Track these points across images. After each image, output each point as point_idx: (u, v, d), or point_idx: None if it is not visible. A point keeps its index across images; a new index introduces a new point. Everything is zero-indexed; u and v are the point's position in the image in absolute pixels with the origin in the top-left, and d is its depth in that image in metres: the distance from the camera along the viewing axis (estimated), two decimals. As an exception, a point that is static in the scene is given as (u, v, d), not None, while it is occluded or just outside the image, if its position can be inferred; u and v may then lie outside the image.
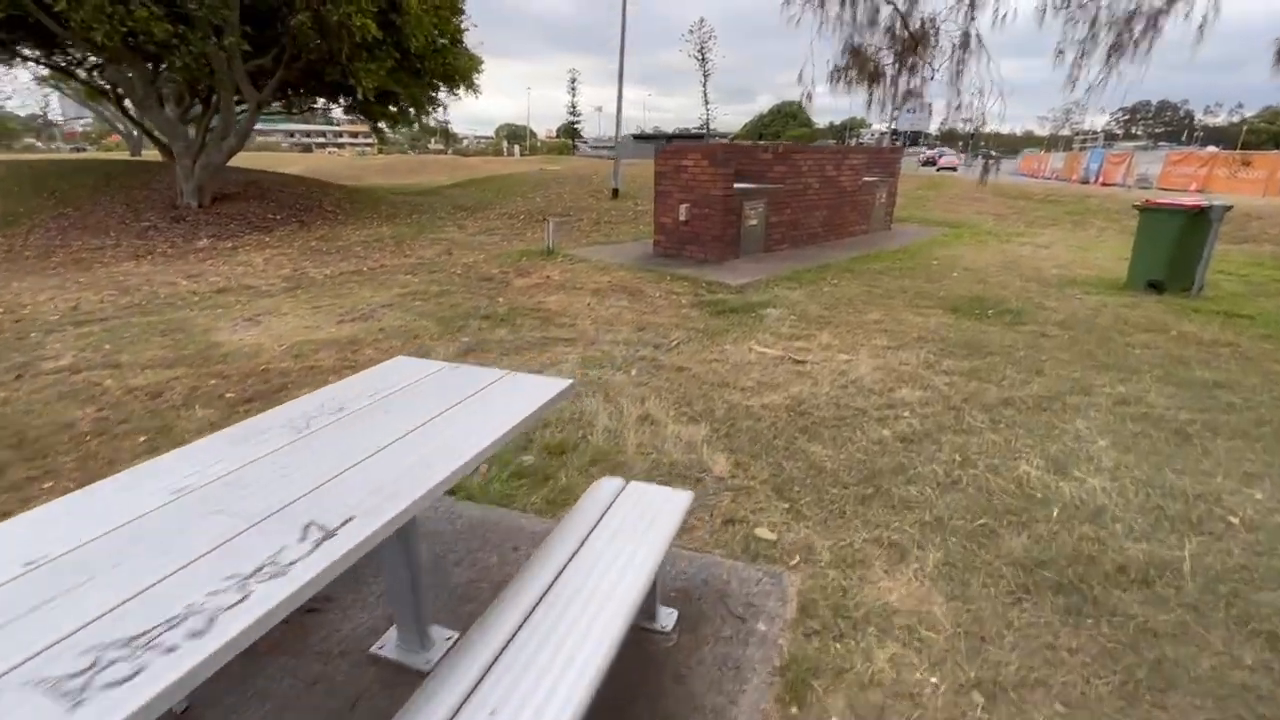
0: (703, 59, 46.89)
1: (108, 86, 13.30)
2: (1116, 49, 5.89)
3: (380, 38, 8.91)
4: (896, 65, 6.69)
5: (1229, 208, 6.57)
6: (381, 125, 18.92)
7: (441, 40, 13.07)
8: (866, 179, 10.66)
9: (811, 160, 9.08)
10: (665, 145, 8.88)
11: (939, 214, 13.20)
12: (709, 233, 8.10)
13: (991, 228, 11.51)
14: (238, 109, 11.82)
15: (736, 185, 8.49)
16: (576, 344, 4.81)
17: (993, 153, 6.97)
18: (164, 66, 10.07)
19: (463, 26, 12.89)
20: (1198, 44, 5.48)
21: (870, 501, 2.69)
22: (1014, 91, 7.34)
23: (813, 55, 6.39)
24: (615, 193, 14.05)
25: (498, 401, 1.92)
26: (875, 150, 11.64)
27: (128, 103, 13.69)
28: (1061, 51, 5.88)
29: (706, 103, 48.87)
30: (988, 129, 6.75)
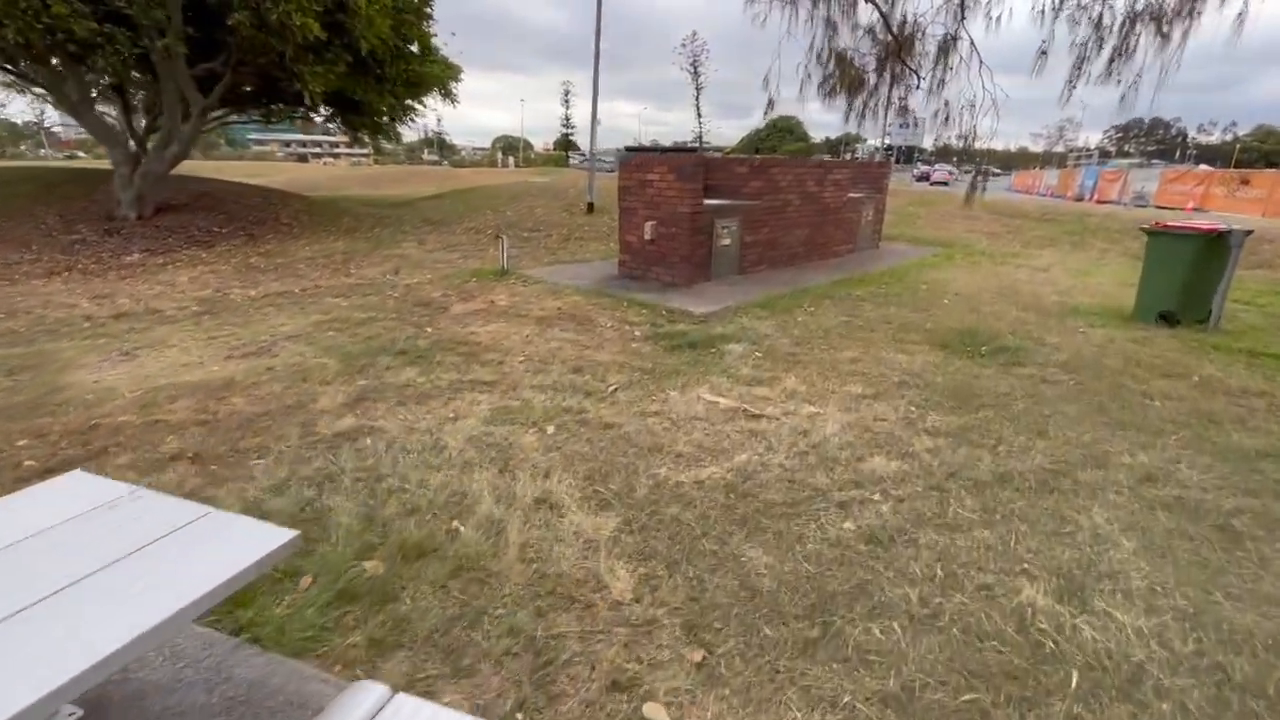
0: (695, 72, 46.36)
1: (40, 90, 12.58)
2: (1122, 53, 5.22)
3: (325, 38, 8.22)
4: (879, 72, 6.03)
5: (1249, 232, 5.88)
6: (362, 135, 18.32)
7: (409, 47, 12.44)
8: (852, 195, 9.99)
9: (791, 175, 8.40)
10: (657, 157, 8.20)
11: (930, 232, 12.55)
12: (676, 253, 7.38)
13: (985, 248, 10.85)
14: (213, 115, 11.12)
15: (708, 201, 7.79)
16: (494, 389, 4.06)
17: (985, 167, 6.21)
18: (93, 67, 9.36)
19: (431, 33, 12.23)
20: (1236, 36, 4.83)
21: (814, 651, 1.93)
22: (1007, 107, 6.68)
23: (780, 59, 5.73)
24: (590, 207, 13.37)
25: (175, 562, 1.16)
26: (862, 165, 11.01)
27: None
28: (1083, 60, 5.21)
29: (699, 116, 48.46)
30: (981, 144, 6.11)
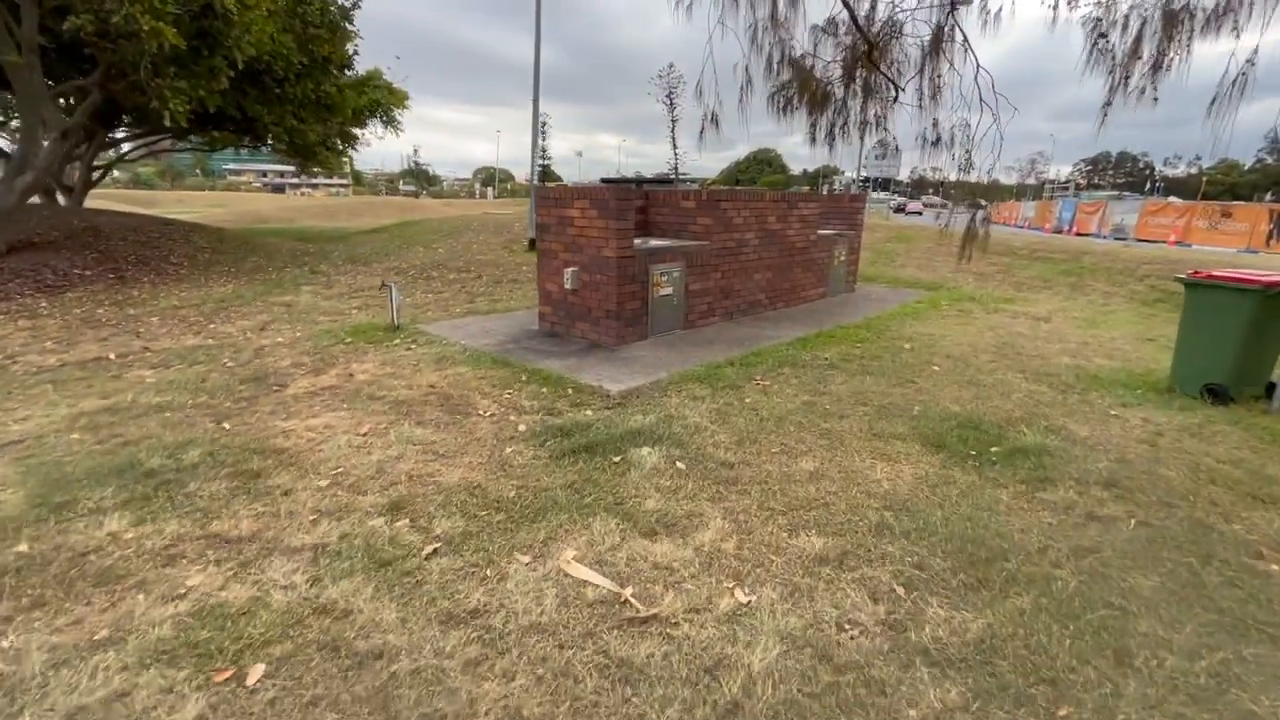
0: (671, 104, 45.90)
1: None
2: (1160, 65, 3.95)
3: (186, 48, 6.80)
4: (846, 82, 4.72)
5: (1320, 286, 4.59)
6: (308, 164, 16.91)
7: (331, 66, 11.10)
8: (822, 233, 8.69)
9: (747, 210, 7.07)
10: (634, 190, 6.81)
11: (911, 272, 11.31)
12: (602, 307, 5.94)
13: (974, 291, 9.60)
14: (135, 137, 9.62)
15: (645, 242, 6.41)
16: (234, 555, 2.52)
17: (982, 202, 4.89)
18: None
19: (352, 51, 10.91)
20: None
21: None
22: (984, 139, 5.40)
23: (712, 58, 4.38)
24: (532, 244, 11.97)
25: None
26: (832, 198, 9.78)
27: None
28: (1126, 75, 3.91)
29: (674, 147, 47.88)
30: (982, 170, 4.81)
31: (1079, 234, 26.61)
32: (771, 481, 3.31)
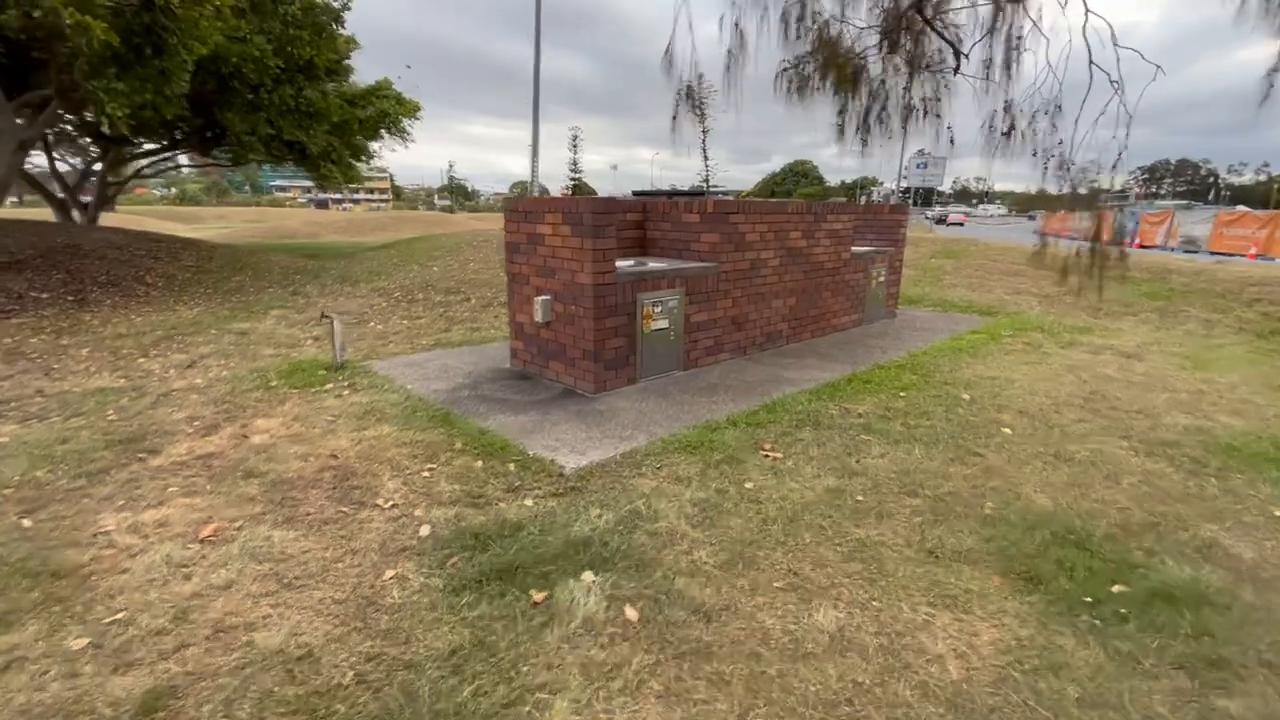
0: (701, 115, 44.31)
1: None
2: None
3: (116, 44, 5.98)
4: (887, 50, 3.51)
5: None
6: (322, 177, 16.37)
7: (321, 73, 10.35)
8: (857, 250, 7.41)
9: (764, 224, 5.86)
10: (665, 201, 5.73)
11: (962, 293, 9.86)
12: (578, 345, 4.81)
13: (1040, 318, 8.12)
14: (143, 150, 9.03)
15: (635, 264, 5.27)
16: None
17: (1134, 205, 3.59)
18: None
19: (339, 58, 10.12)
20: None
21: None
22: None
23: (687, 5, 3.21)
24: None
25: None
26: (870, 209, 8.45)
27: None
28: None
29: (705, 159, 46.81)
30: (1111, 174, 3.55)
31: (1142, 246, 24.46)
32: (768, 655, 2.10)
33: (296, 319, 7.82)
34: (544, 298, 4.97)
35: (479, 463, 3.54)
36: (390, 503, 3.11)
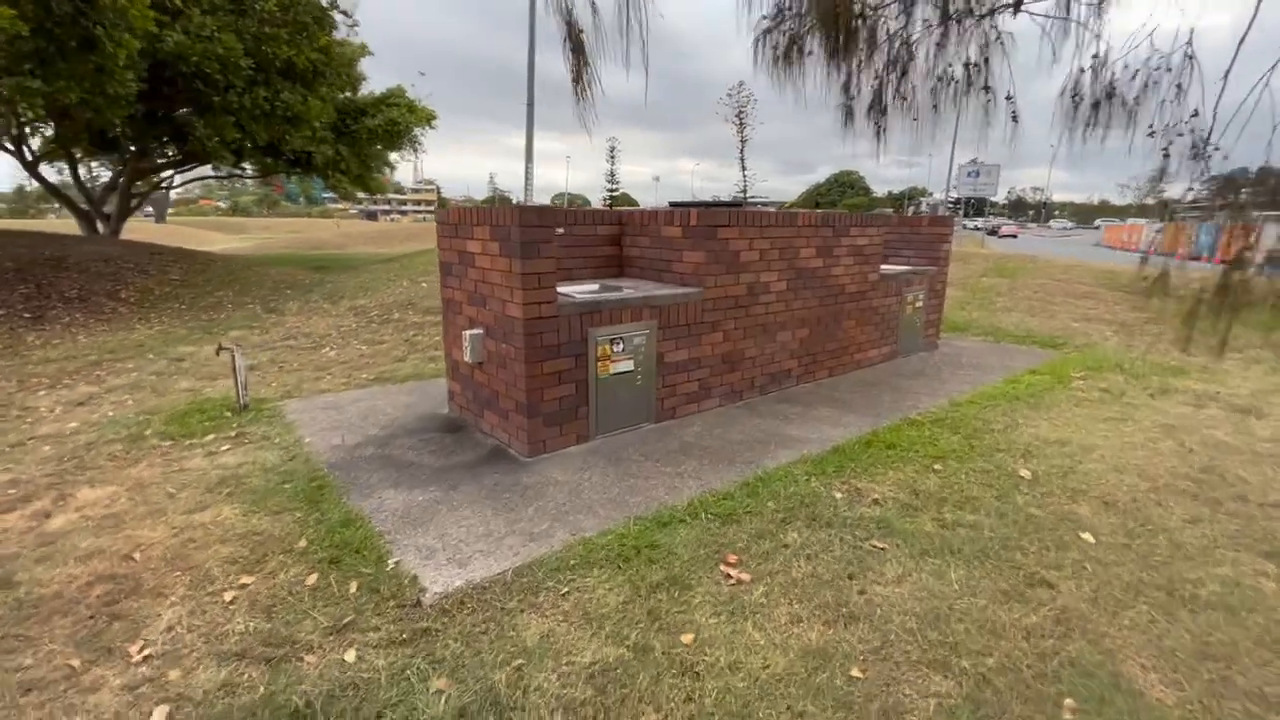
0: (741, 124, 43.43)
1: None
2: None
3: (35, 38, 5.31)
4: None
5: None
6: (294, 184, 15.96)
7: (321, 75, 9.71)
8: (888, 270, 6.18)
9: (766, 240, 4.72)
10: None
11: (1018, 318, 8.43)
12: (510, 394, 3.77)
13: (1118, 354, 6.67)
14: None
15: (599, 290, 4.23)
16: None
17: None
18: None
19: (324, 55, 9.43)
20: None
21: None
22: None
23: None
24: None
25: None
26: (905, 221, 7.14)
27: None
28: None
29: (743, 169, 45.44)
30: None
31: (1222, 262, 22.04)
32: None
33: (253, 341, 7.05)
34: (474, 332, 3.96)
35: (313, 576, 2.51)
36: (146, 652, 2.11)
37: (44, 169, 16.37)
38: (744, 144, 46.99)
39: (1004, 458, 3.79)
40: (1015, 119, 2.68)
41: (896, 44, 2.57)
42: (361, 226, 48.39)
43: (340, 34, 12.37)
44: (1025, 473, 3.57)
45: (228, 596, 2.38)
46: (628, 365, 4.06)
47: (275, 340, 7.13)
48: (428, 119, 15.41)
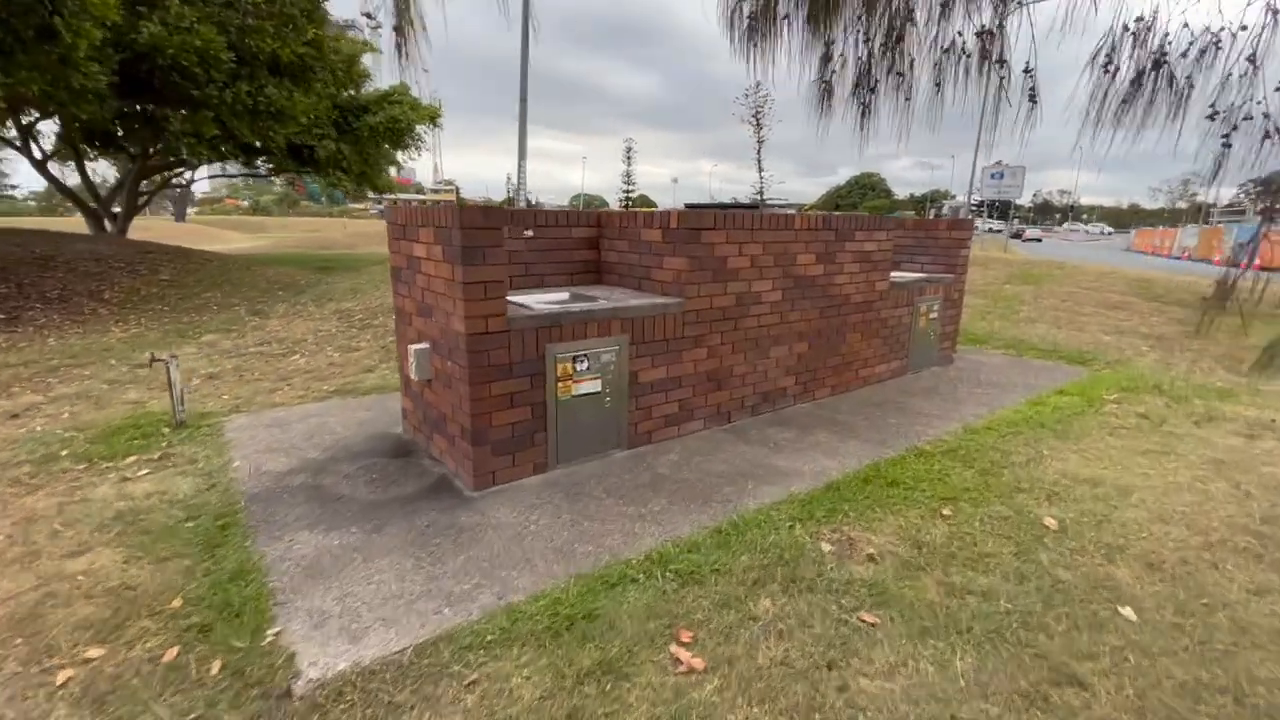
0: (758, 124, 42.77)
1: None
2: None
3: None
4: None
5: None
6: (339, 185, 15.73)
7: (301, 70, 9.39)
8: (899, 277, 5.64)
9: (758, 245, 4.23)
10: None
11: (1043, 330, 7.81)
12: (456, 418, 3.32)
13: (1155, 373, 6.05)
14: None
15: (568, 299, 3.79)
16: None
17: None
18: None
19: (323, 56, 9.10)
20: None
21: None
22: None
23: None
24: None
25: None
26: (920, 224, 6.55)
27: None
28: None
29: (760, 170, 44.79)
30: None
31: (1263, 268, 20.98)
32: None
33: (224, 347, 6.71)
34: (420, 346, 3.52)
35: (174, 650, 2.08)
36: (-69, 758, 1.69)
37: (59, 169, 16.34)
38: (761, 145, 46.26)
39: (1026, 500, 3.26)
40: (1034, 98, 2.16)
41: (893, 4, 2.09)
42: (377, 226, 48.53)
43: (363, 36, 12.15)
44: (1051, 521, 3.04)
45: (61, 677, 1.96)
46: (594, 386, 3.59)
47: (248, 345, 6.78)
48: (431, 116, 15.10)
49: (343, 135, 13.39)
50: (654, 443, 3.96)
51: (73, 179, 18.72)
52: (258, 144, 9.76)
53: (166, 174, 18.16)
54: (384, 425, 4.25)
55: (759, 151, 46.57)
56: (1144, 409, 4.77)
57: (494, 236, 3.05)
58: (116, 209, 16.87)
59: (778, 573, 2.56)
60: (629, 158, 68.99)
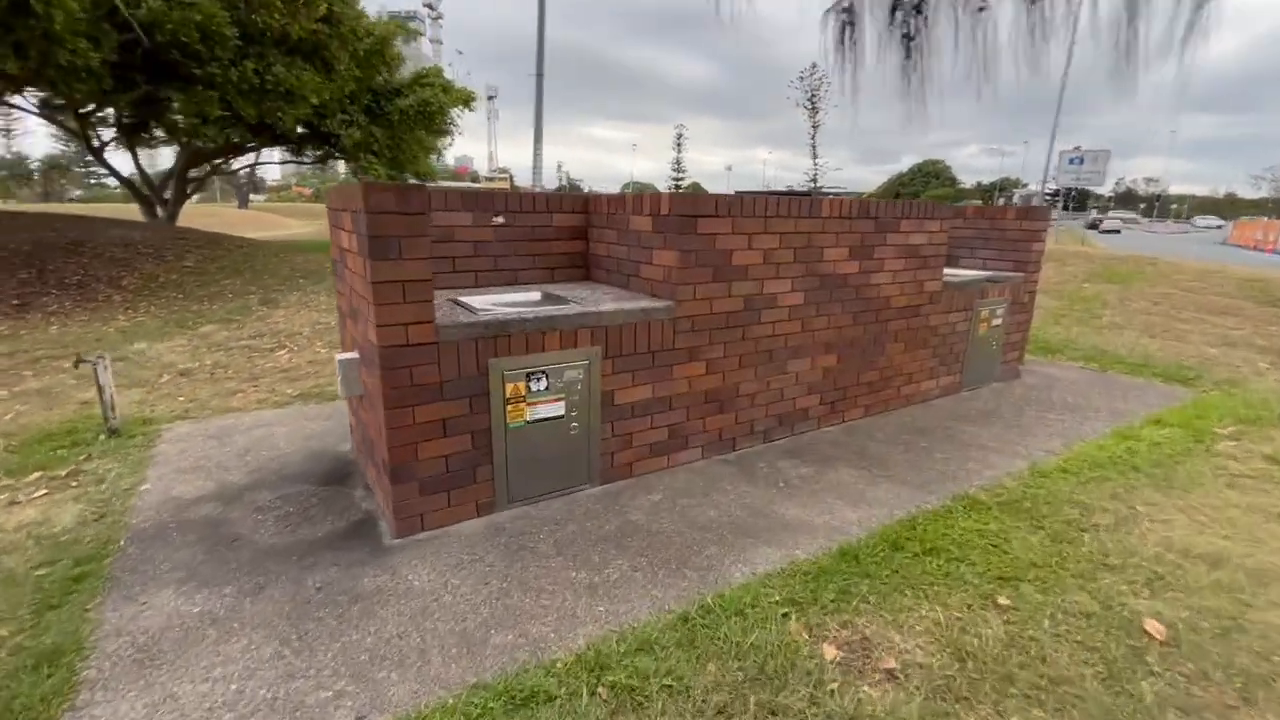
0: (813, 108, 41.15)
1: None
2: None
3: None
4: None
5: None
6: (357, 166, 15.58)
7: (314, 48, 9.02)
8: (953, 275, 4.73)
9: (773, 236, 3.45)
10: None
11: (1132, 338, 6.66)
12: (380, 445, 2.71)
13: (1277, 396, 4.93)
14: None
15: (540, 300, 3.14)
16: None
17: None
18: None
19: (361, 39, 8.68)
20: None
21: None
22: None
23: None
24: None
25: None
26: (981, 213, 5.52)
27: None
28: None
29: (815, 156, 43.02)
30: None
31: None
32: None
33: (215, 340, 6.38)
34: (347, 357, 2.92)
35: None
36: None
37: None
38: (816, 130, 44.39)
39: (1116, 585, 2.41)
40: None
41: None
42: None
43: (426, 30, 11.80)
44: (1155, 625, 2.19)
45: None
46: (555, 408, 2.92)
47: (241, 338, 6.44)
48: (464, 100, 14.68)
49: (375, 120, 13.11)
50: (635, 476, 3.26)
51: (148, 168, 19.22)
52: (268, 124, 9.44)
53: (216, 161, 18.46)
54: (333, 441, 3.71)
55: (813, 137, 44.66)
56: (1271, 449, 3.75)
57: (413, 224, 2.41)
58: (168, 195, 17.24)
59: (751, 699, 1.83)
60: (679, 144, 67.75)
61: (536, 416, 2.87)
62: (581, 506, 2.95)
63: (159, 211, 16.92)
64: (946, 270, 4.71)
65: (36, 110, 13.59)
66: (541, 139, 9.94)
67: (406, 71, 14.28)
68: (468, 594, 2.30)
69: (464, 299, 3.13)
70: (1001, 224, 5.31)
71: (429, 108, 13.41)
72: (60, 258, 9.19)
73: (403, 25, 13.78)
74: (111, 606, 2.19)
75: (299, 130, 11.53)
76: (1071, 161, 22.13)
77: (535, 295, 3.41)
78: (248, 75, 7.88)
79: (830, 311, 3.83)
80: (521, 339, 2.75)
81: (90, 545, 2.56)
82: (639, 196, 3.39)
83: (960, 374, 4.83)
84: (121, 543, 2.59)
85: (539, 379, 2.83)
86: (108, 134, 15.11)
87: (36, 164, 51.42)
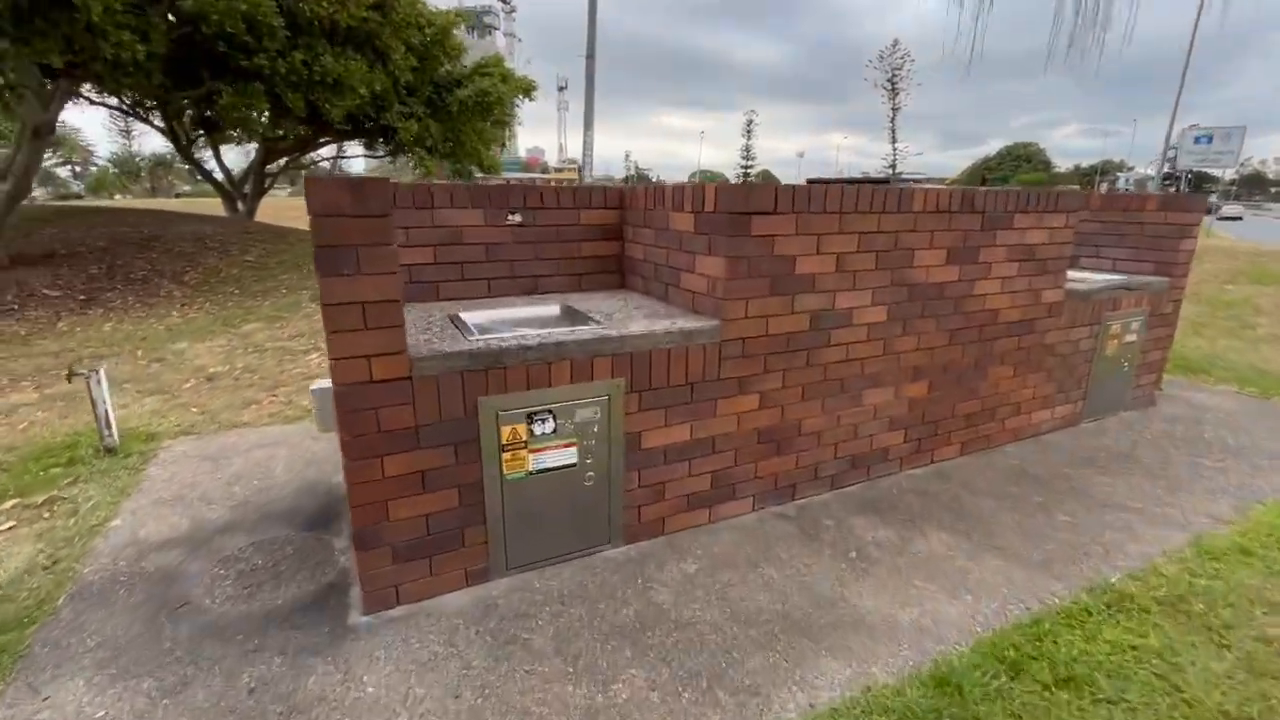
0: (893, 89, 39.11)
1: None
2: None
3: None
4: None
5: None
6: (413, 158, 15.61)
7: (366, 39, 8.77)
8: (1077, 281, 3.82)
9: (850, 236, 2.74)
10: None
11: (1294, 350, 5.42)
12: (349, 499, 2.22)
13: None
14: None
15: (559, 315, 2.57)
16: None
17: None
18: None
19: (423, 27, 8.39)
20: None
21: None
22: None
23: None
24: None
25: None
26: (1113, 202, 4.47)
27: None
28: None
29: (893, 141, 40.85)
30: None
31: None
32: None
33: (255, 340, 6.22)
34: (322, 386, 2.46)
35: None
36: None
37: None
38: (895, 112, 41.88)
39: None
40: None
41: None
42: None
43: (500, 24, 11.59)
44: None
45: None
46: (566, 456, 2.35)
47: (279, 338, 6.25)
48: (525, 89, 14.33)
49: (436, 112, 12.95)
50: (667, 534, 2.66)
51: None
52: (321, 117, 9.32)
53: (296, 155, 19.03)
54: (331, 469, 3.30)
55: (893, 120, 42.21)
56: None
57: (374, 229, 1.88)
58: (247, 190, 17.88)
59: None
60: (749, 131, 65.81)
61: (542, 466, 2.31)
62: (597, 577, 2.38)
63: (239, 206, 17.58)
64: (1069, 273, 3.82)
65: (127, 109, 14.25)
66: (592, 125, 9.39)
67: (470, 63, 14.09)
68: (431, 711, 1.76)
69: (465, 315, 2.60)
70: (1138, 215, 4.31)
71: (487, 98, 13.13)
72: (131, 253, 9.45)
73: (464, 15, 13.55)
74: (7, 703, 1.79)
75: (362, 122, 11.46)
76: (1198, 140, 19.56)
77: (554, 309, 2.85)
78: (296, 66, 7.73)
79: (921, 329, 3.07)
80: (521, 371, 2.18)
81: (25, 603, 2.21)
82: (679, 188, 2.76)
83: (1081, 401, 3.93)
84: (60, 601, 2.22)
85: (544, 420, 2.27)
86: (195, 131, 15.75)
87: (144, 161, 55.57)
